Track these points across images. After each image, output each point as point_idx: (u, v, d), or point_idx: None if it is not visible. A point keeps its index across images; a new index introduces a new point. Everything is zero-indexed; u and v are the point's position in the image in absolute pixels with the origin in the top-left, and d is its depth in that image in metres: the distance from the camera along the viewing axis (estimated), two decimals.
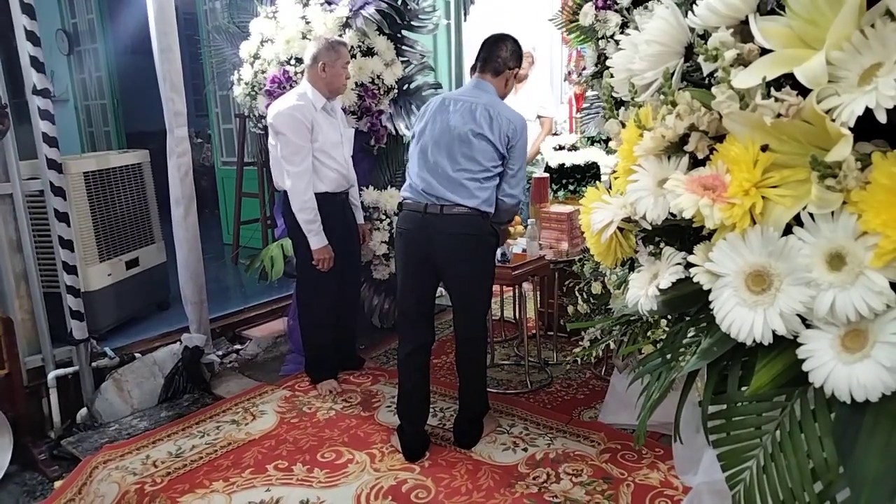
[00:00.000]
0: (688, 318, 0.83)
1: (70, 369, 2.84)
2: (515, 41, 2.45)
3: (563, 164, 3.53)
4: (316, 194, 2.79)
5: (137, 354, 3.08)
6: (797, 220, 0.67)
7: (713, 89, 0.74)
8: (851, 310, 0.61)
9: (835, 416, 0.63)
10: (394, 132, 3.41)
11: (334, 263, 2.87)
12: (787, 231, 0.68)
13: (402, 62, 3.37)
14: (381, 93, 3.27)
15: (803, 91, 0.66)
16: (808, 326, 0.66)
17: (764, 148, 0.70)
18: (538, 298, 3.46)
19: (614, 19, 2.29)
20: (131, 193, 3.56)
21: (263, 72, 3.26)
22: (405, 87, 3.44)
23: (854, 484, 0.60)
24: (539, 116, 4.41)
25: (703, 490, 1.25)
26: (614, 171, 0.93)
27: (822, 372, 0.62)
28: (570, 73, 5.08)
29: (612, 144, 0.99)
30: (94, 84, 6.62)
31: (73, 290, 2.81)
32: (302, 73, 2.93)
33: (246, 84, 3.32)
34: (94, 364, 2.91)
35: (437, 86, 3.61)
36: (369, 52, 3.22)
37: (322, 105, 2.82)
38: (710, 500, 1.23)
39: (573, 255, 3.04)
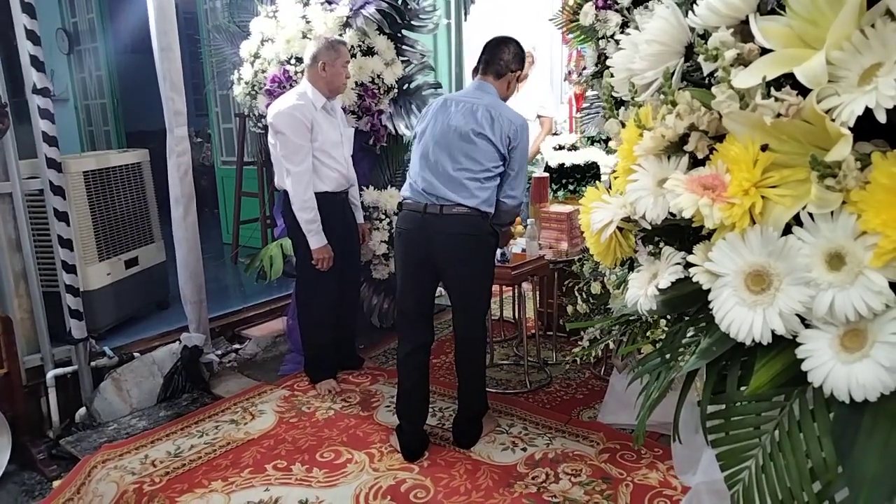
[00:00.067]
0: (687, 318, 0.83)
1: (69, 369, 2.84)
2: (518, 44, 2.45)
3: (563, 164, 3.53)
4: (316, 194, 2.79)
5: (136, 354, 3.08)
6: (797, 219, 0.67)
7: (713, 89, 0.74)
8: (850, 310, 0.61)
9: (834, 415, 0.63)
10: (394, 132, 3.41)
11: (334, 263, 2.87)
12: (787, 231, 0.68)
13: (403, 62, 3.37)
14: (381, 92, 3.27)
15: (803, 91, 0.66)
16: (807, 326, 0.66)
17: (764, 148, 0.70)
18: (538, 298, 3.46)
19: (614, 19, 2.29)
20: (131, 193, 3.56)
21: (263, 71, 3.26)
22: (405, 87, 3.44)
23: (853, 484, 0.60)
24: (539, 116, 4.41)
25: (701, 490, 1.26)
26: (614, 171, 0.93)
27: (821, 372, 0.62)
28: (570, 73, 5.08)
29: (611, 144, 0.99)
30: (93, 83, 6.63)
31: (72, 289, 2.81)
32: (302, 72, 2.93)
33: (246, 83, 3.32)
34: (93, 363, 2.91)
35: (437, 85, 3.61)
36: (369, 52, 3.22)
37: (322, 104, 2.82)
38: (709, 499, 1.23)
39: (573, 255, 3.04)
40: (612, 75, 0.98)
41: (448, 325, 3.60)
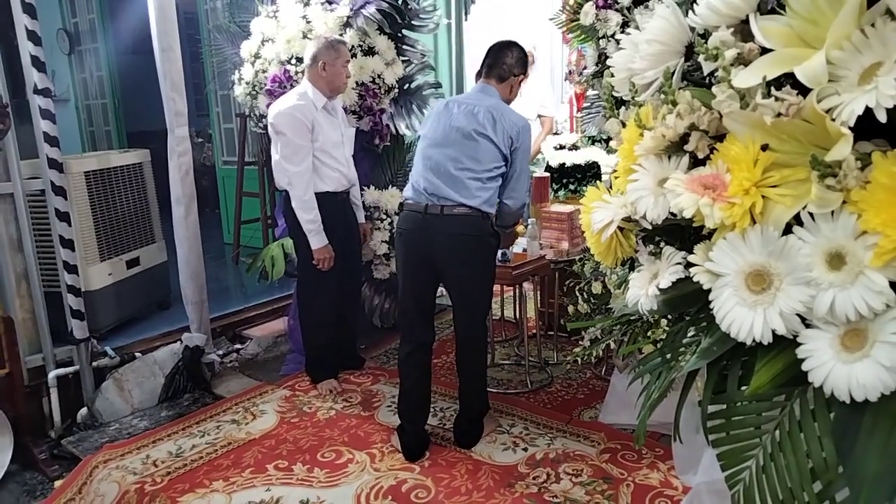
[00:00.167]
0: (688, 318, 0.83)
1: (70, 369, 2.84)
2: (521, 49, 2.47)
3: (564, 164, 3.53)
4: (317, 194, 2.80)
5: (138, 354, 3.08)
6: (797, 219, 0.67)
7: (713, 89, 0.74)
8: (851, 309, 0.61)
9: (834, 415, 0.63)
10: (395, 132, 3.41)
11: (335, 263, 2.87)
12: (787, 230, 0.68)
13: (403, 61, 3.37)
14: (382, 92, 3.27)
15: (803, 90, 0.66)
16: (807, 326, 0.66)
17: (764, 147, 0.70)
18: (538, 298, 3.46)
19: (615, 18, 2.29)
20: (132, 193, 3.56)
21: (264, 71, 3.26)
22: (406, 87, 3.44)
23: (853, 483, 0.60)
24: (539, 116, 4.41)
25: (702, 490, 1.26)
26: (615, 171, 0.93)
27: (822, 371, 0.62)
28: (570, 73, 5.09)
29: (612, 144, 0.99)
30: (94, 83, 6.63)
31: (73, 289, 2.81)
32: (303, 72, 2.93)
33: (247, 83, 3.32)
34: (94, 363, 2.91)
35: (438, 85, 3.61)
36: (370, 52, 3.22)
37: (323, 104, 2.82)
38: (710, 499, 1.23)
39: (573, 255, 3.04)
40: (612, 75, 0.98)
41: (449, 325, 3.59)
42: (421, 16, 3.41)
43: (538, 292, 3.42)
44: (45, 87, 2.65)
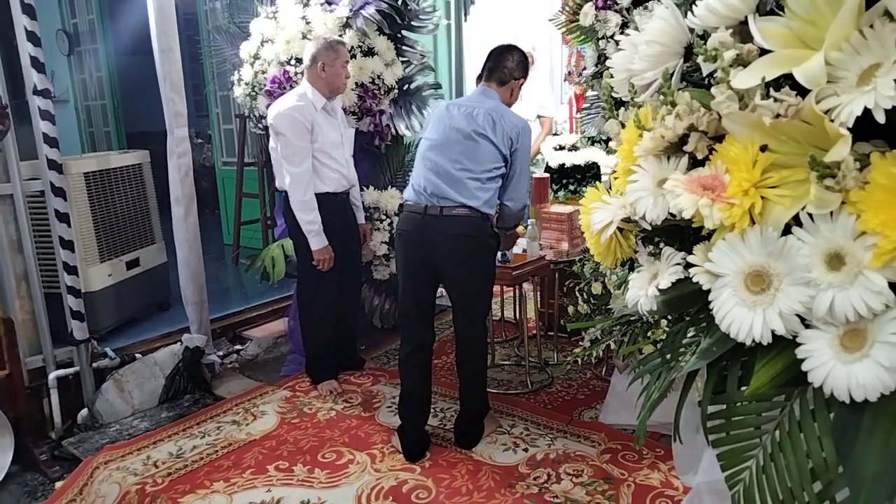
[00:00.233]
0: (687, 318, 0.83)
1: (71, 370, 2.84)
2: (522, 53, 2.48)
3: (564, 165, 3.53)
4: (316, 194, 2.80)
5: (138, 355, 3.08)
6: (796, 220, 0.67)
7: (712, 89, 0.74)
8: (850, 310, 0.61)
9: (834, 415, 0.63)
10: (394, 132, 3.41)
11: (335, 264, 2.87)
12: (787, 231, 0.68)
13: (403, 62, 3.37)
14: (382, 93, 3.27)
15: (802, 91, 0.66)
16: (807, 326, 0.66)
17: (763, 148, 0.70)
18: (538, 299, 3.46)
19: (614, 19, 2.30)
20: (132, 194, 3.56)
21: (264, 72, 3.26)
22: (405, 88, 3.44)
23: (853, 483, 0.60)
24: (539, 116, 4.41)
25: (702, 490, 1.26)
26: (614, 172, 0.93)
27: (822, 372, 0.62)
28: (570, 74, 5.09)
29: (612, 144, 0.99)
30: (94, 84, 6.63)
31: (73, 290, 2.81)
32: (302, 73, 2.93)
33: (246, 84, 3.32)
34: (94, 364, 2.91)
35: (437, 86, 3.61)
36: (369, 53, 3.22)
37: (322, 105, 2.82)
38: (710, 499, 1.23)
39: (573, 256, 3.04)
40: (611, 76, 0.98)
41: (449, 326, 3.59)
42: (420, 16, 3.41)
43: (538, 293, 3.42)
44: (45, 88, 2.65)
